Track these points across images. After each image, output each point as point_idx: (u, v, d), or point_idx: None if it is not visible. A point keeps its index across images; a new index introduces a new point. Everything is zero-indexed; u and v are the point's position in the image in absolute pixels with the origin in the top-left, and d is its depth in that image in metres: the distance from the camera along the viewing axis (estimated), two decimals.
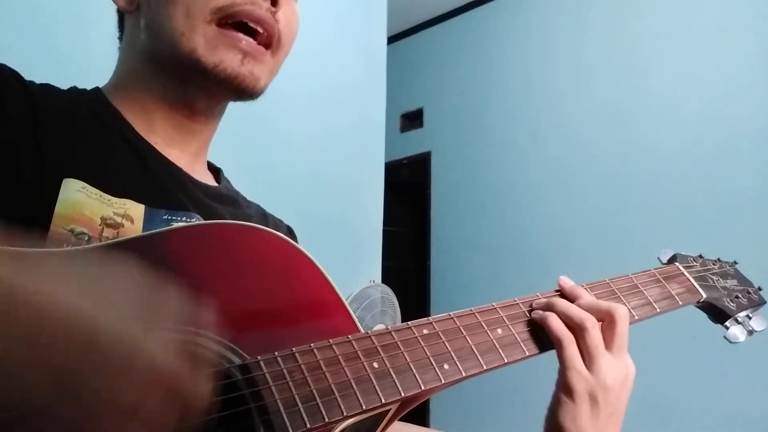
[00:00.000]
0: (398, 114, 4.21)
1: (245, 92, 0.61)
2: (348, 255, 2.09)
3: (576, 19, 3.41)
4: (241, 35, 0.59)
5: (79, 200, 0.52)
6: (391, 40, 4.00)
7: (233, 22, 0.59)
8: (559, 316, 0.57)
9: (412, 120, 4.25)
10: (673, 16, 3.01)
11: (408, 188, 4.14)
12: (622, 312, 0.57)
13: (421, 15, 4.19)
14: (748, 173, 2.62)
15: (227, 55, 0.58)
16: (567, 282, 0.63)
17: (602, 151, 3.15)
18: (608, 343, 0.56)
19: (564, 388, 0.54)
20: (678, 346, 2.63)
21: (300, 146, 1.95)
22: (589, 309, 0.57)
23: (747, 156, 2.64)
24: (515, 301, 0.60)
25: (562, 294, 0.62)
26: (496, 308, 0.59)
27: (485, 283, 3.49)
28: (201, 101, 0.64)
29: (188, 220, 0.59)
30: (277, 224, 0.79)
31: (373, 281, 2.02)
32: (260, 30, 0.60)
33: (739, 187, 2.63)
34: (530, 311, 0.59)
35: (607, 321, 0.57)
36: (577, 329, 0.56)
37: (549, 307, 0.59)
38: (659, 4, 3.07)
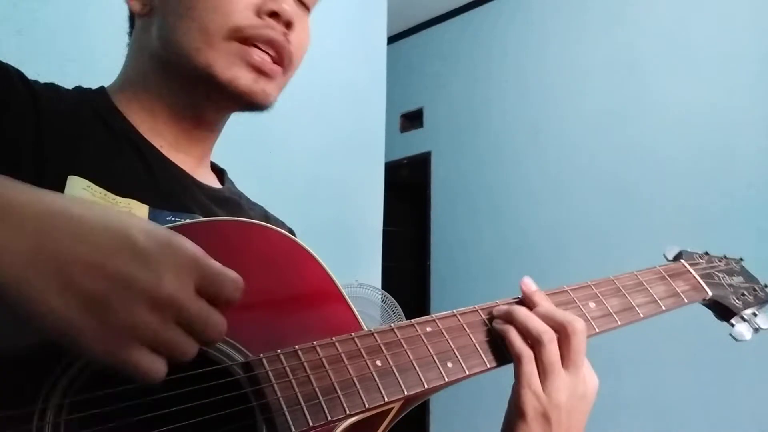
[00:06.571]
0: (398, 114, 4.21)
1: (255, 107, 0.63)
2: (347, 255, 2.09)
3: (575, 19, 3.41)
4: (261, 53, 0.60)
5: (84, 198, 0.52)
6: (391, 40, 3.99)
7: (251, 43, 0.60)
8: (517, 328, 0.55)
9: (412, 120, 4.25)
10: (670, 19, 3.01)
11: (408, 188, 4.14)
12: (578, 326, 0.54)
13: (421, 15, 4.19)
14: (746, 177, 2.62)
15: (242, 72, 0.59)
16: (528, 286, 0.60)
17: (600, 152, 3.15)
18: (564, 360, 0.54)
19: (516, 406, 0.53)
20: (679, 348, 2.62)
21: (300, 147, 1.95)
22: (544, 318, 0.55)
23: (746, 160, 2.63)
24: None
25: (521, 298, 0.60)
26: (499, 305, 0.58)
27: (486, 282, 3.49)
28: (210, 112, 0.66)
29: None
30: (280, 227, 0.79)
31: (357, 281, 2.00)
32: (272, 53, 0.61)
33: (737, 193, 2.63)
34: (489, 319, 0.57)
35: (562, 336, 0.54)
36: (534, 343, 0.54)
37: (509, 317, 0.56)
38: (656, 7, 3.07)
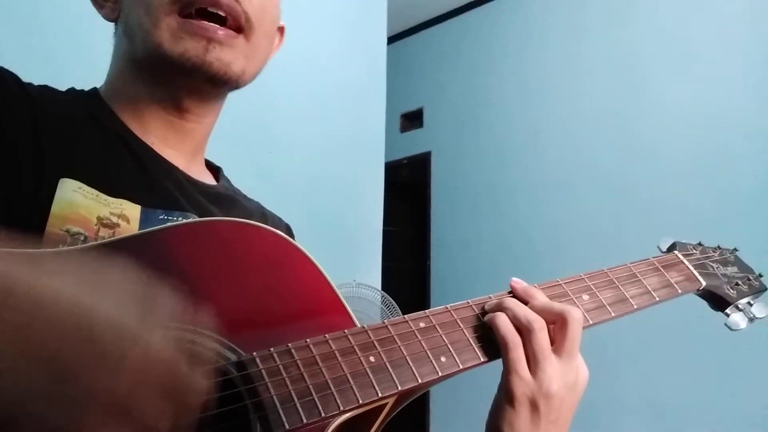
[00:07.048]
0: (398, 114, 4.21)
1: (218, 79, 0.60)
2: (347, 255, 2.09)
3: (575, 19, 3.41)
4: (204, 23, 0.58)
5: (75, 200, 0.52)
6: (391, 40, 3.99)
7: (196, 9, 0.58)
8: (507, 316, 0.54)
9: (412, 120, 4.25)
10: (670, 19, 3.00)
11: (408, 188, 4.14)
12: (575, 315, 0.54)
13: (421, 15, 4.19)
14: (746, 177, 2.61)
15: (189, 44, 0.58)
16: (519, 283, 0.59)
17: (600, 152, 3.14)
18: (558, 347, 0.53)
19: (505, 392, 0.52)
20: (678, 346, 2.62)
21: (300, 147, 1.95)
22: (541, 311, 0.55)
23: (747, 160, 2.63)
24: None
25: (514, 295, 0.59)
26: (492, 299, 0.58)
27: (486, 282, 3.48)
28: (185, 98, 0.64)
29: (184, 220, 0.59)
30: (276, 223, 0.78)
31: (354, 280, 1.99)
32: (222, 14, 0.59)
33: (738, 191, 2.62)
34: (483, 314, 0.56)
35: (559, 323, 0.54)
36: (524, 331, 0.53)
37: (499, 308, 0.56)
38: (656, 7, 3.07)
